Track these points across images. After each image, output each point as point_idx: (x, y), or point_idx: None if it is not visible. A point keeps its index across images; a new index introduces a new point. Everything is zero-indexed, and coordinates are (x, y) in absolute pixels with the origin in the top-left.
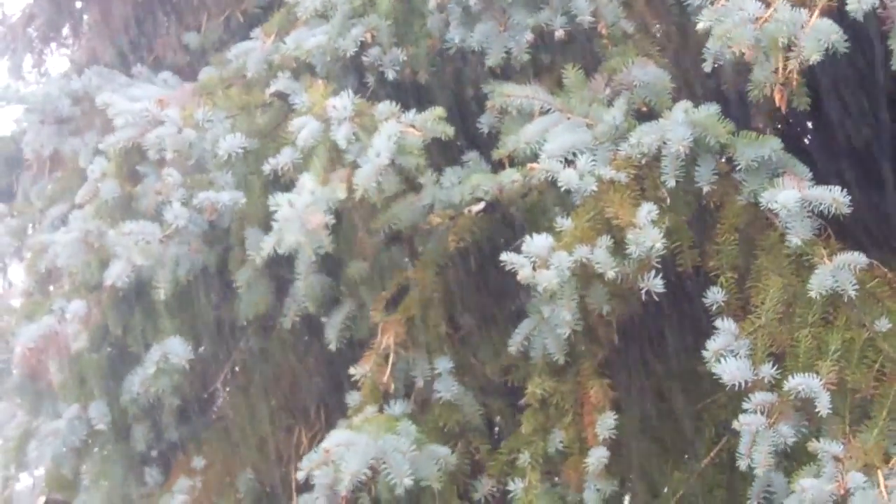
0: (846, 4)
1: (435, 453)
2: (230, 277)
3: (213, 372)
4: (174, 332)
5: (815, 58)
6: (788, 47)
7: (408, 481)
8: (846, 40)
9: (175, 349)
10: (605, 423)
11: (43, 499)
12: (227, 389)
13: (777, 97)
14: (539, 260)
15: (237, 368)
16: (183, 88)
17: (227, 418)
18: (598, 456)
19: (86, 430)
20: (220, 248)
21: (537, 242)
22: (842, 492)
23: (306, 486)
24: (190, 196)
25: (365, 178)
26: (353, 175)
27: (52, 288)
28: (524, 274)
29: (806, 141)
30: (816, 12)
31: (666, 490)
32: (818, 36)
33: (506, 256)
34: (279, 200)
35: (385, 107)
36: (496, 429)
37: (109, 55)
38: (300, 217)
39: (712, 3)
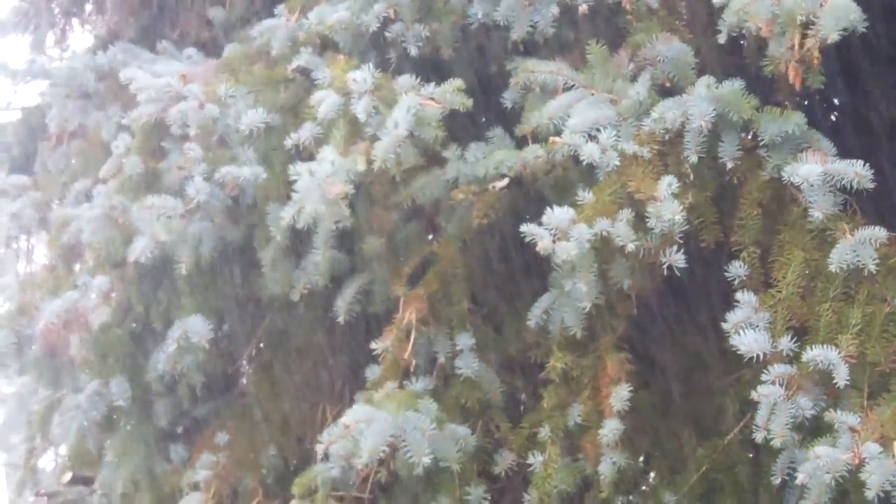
0: None
1: (455, 433)
2: (252, 254)
3: (237, 349)
4: (196, 309)
5: (833, 37)
6: (807, 24)
7: (426, 460)
8: (866, 18)
9: (195, 328)
10: (620, 394)
11: (68, 475)
12: (251, 366)
13: (791, 74)
14: (559, 232)
15: (261, 345)
16: (207, 64)
17: (251, 395)
18: (612, 427)
19: (106, 405)
20: (244, 225)
21: (558, 214)
22: (856, 461)
23: (327, 460)
24: (212, 171)
25: (383, 150)
26: (372, 148)
27: (75, 263)
28: (543, 245)
29: (832, 118)
30: None
31: (689, 466)
32: (836, 14)
33: (526, 228)
34: (299, 170)
35: (405, 80)
36: (518, 406)
37: (133, 31)
38: (320, 187)
39: None
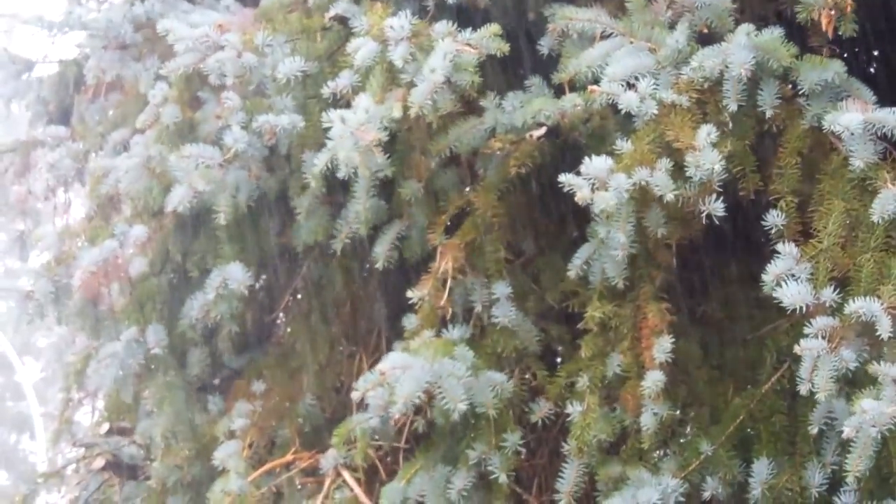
0: None
1: (491, 379)
2: (290, 204)
3: (274, 298)
4: (234, 258)
5: None
6: None
7: (462, 406)
8: None
9: (235, 274)
10: (662, 346)
11: (105, 426)
12: (288, 316)
13: (824, 21)
14: (597, 181)
15: (298, 295)
16: (243, 14)
17: (287, 345)
18: (654, 379)
19: (143, 353)
20: (281, 174)
21: (596, 164)
22: None
23: (364, 409)
24: (249, 120)
25: (420, 96)
26: (408, 94)
27: (113, 213)
28: (582, 195)
29: (871, 68)
30: None
31: (725, 416)
32: None
33: (564, 177)
34: (332, 117)
35: (442, 26)
36: (555, 355)
37: None
38: (353, 134)
39: None
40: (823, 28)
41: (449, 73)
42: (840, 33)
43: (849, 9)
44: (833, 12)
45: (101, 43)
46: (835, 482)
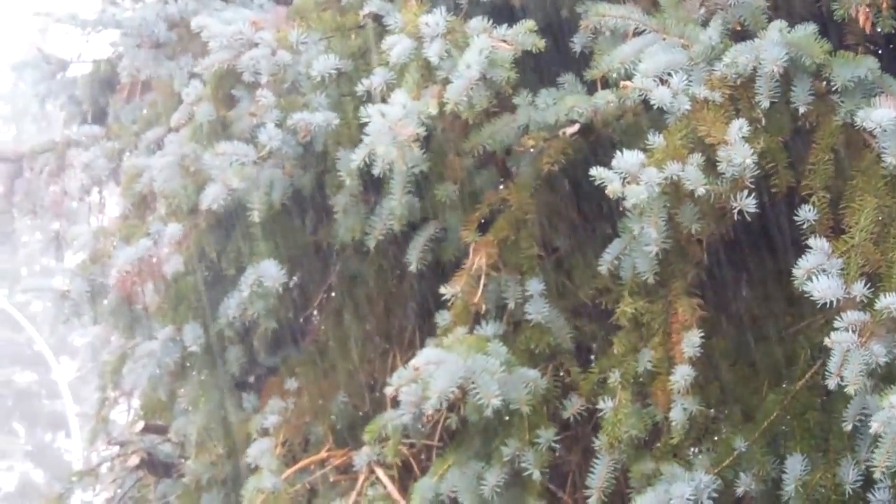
0: None
1: (525, 376)
2: (324, 201)
3: (309, 296)
4: (269, 256)
5: None
6: None
7: (496, 402)
8: None
9: (269, 272)
10: (692, 340)
11: (140, 424)
12: (322, 313)
13: (862, 18)
14: (629, 175)
15: (332, 292)
16: (277, 11)
17: (321, 342)
18: (683, 374)
19: (179, 351)
20: (315, 172)
21: (628, 158)
22: None
23: (397, 406)
24: (284, 118)
25: (455, 93)
26: (444, 91)
27: (148, 212)
28: (613, 188)
29: None
30: None
31: (759, 413)
32: None
33: (595, 171)
34: (370, 112)
35: (477, 22)
36: (587, 351)
37: None
38: (391, 129)
39: None
40: (861, 24)
41: (484, 69)
42: (879, 30)
43: (885, 4)
44: (870, 8)
45: (134, 41)
46: (869, 479)
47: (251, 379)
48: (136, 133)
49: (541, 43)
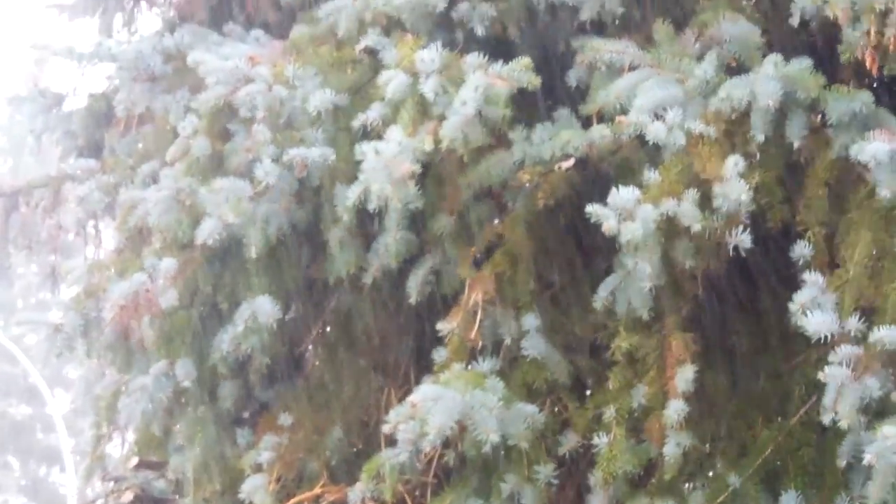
0: None
1: (523, 411)
2: (320, 236)
3: (304, 331)
4: (264, 291)
5: None
6: (885, 13)
7: (495, 437)
8: None
9: (264, 308)
10: (685, 375)
11: (135, 460)
12: (316, 348)
13: (868, 60)
14: (625, 212)
15: (327, 328)
16: (273, 46)
17: (316, 377)
18: (676, 408)
19: (172, 386)
20: (311, 206)
21: (623, 195)
22: None
23: (393, 444)
24: (280, 153)
25: (451, 129)
26: (439, 127)
27: (143, 246)
28: (609, 225)
29: None
30: None
31: (754, 449)
32: None
33: (591, 208)
34: (366, 149)
35: (473, 59)
36: (584, 387)
37: (201, 13)
38: (387, 166)
39: None
40: (867, 66)
41: (480, 105)
42: (885, 73)
43: (892, 48)
44: (876, 51)
45: (130, 75)
46: None
47: (246, 414)
48: (131, 167)
49: (537, 80)
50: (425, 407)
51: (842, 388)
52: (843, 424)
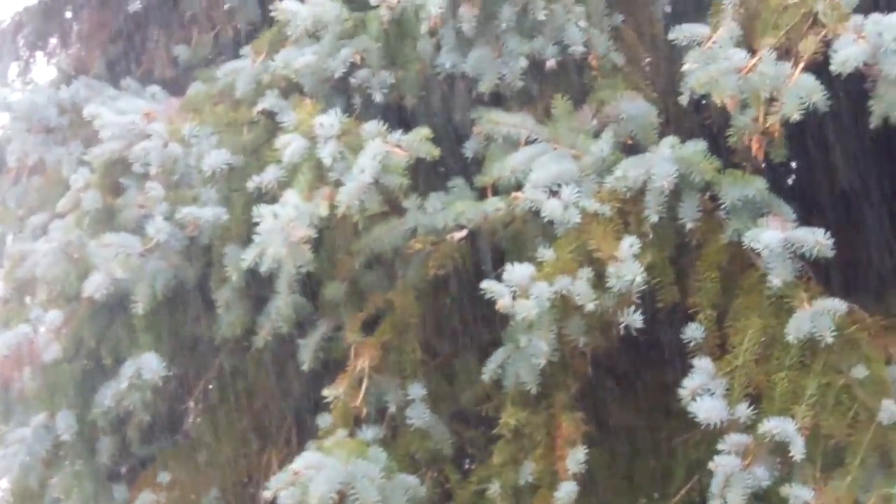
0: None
1: (404, 483)
2: (207, 294)
3: (187, 387)
4: (150, 347)
5: (795, 117)
6: (771, 101)
7: None
8: (829, 97)
9: (149, 365)
10: (576, 457)
11: None
12: (199, 407)
13: (755, 146)
14: (519, 289)
15: (210, 386)
16: (170, 103)
17: (196, 436)
18: (567, 490)
19: (52, 439)
20: (200, 265)
21: (518, 272)
22: None
23: None
24: (172, 210)
25: (348, 196)
26: (336, 193)
27: (29, 297)
28: (504, 303)
29: (789, 182)
30: (800, 67)
31: None
32: (800, 93)
33: (486, 284)
34: (263, 212)
35: (372, 126)
36: (468, 459)
37: (98, 66)
38: (283, 230)
39: (700, 45)
40: (753, 153)
41: (378, 174)
42: (770, 159)
43: (777, 136)
44: (762, 137)
45: (25, 125)
46: None
47: (123, 470)
48: (21, 217)
49: (436, 151)
50: (307, 475)
51: (731, 477)
52: None
